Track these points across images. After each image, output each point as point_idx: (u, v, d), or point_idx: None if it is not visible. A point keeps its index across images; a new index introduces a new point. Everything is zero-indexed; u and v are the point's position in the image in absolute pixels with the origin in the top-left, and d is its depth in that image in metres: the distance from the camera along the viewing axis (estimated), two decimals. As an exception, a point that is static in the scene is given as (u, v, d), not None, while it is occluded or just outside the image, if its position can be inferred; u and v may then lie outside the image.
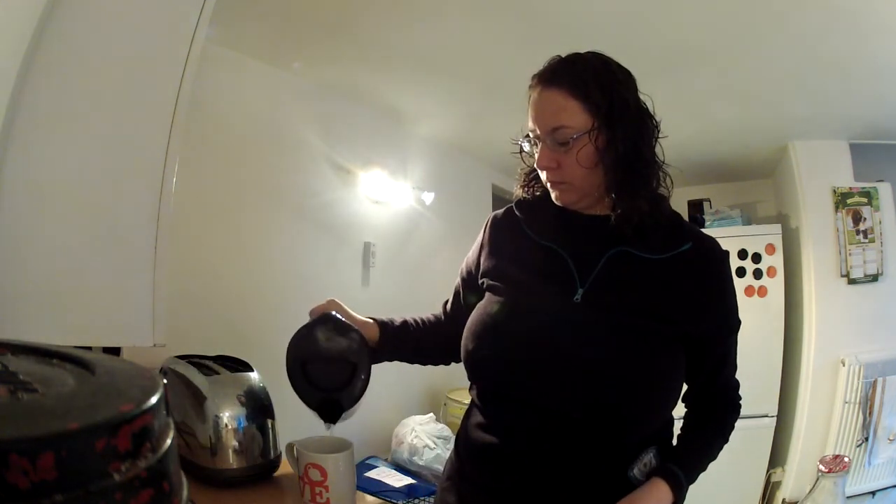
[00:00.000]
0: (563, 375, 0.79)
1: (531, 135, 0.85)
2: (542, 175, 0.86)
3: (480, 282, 0.94)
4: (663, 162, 0.84)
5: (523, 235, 0.91)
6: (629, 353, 0.79)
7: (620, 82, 0.81)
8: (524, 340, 0.82)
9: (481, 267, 0.95)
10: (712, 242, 0.87)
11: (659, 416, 0.85)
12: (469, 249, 1.02)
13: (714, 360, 0.89)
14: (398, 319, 1.04)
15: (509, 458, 0.83)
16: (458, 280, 1.03)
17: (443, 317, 1.06)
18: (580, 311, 0.82)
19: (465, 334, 0.89)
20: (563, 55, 0.84)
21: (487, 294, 0.91)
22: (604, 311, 0.81)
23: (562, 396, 0.79)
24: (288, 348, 0.96)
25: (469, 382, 0.94)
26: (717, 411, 0.92)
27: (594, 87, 0.79)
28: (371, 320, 1.01)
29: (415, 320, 1.05)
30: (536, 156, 0.84)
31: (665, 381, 0.82)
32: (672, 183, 0.86)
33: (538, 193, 0.94)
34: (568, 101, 0.79)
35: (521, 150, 0.91)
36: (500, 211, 1.00)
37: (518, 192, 0.96)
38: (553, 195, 0.87)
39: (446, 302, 1.06)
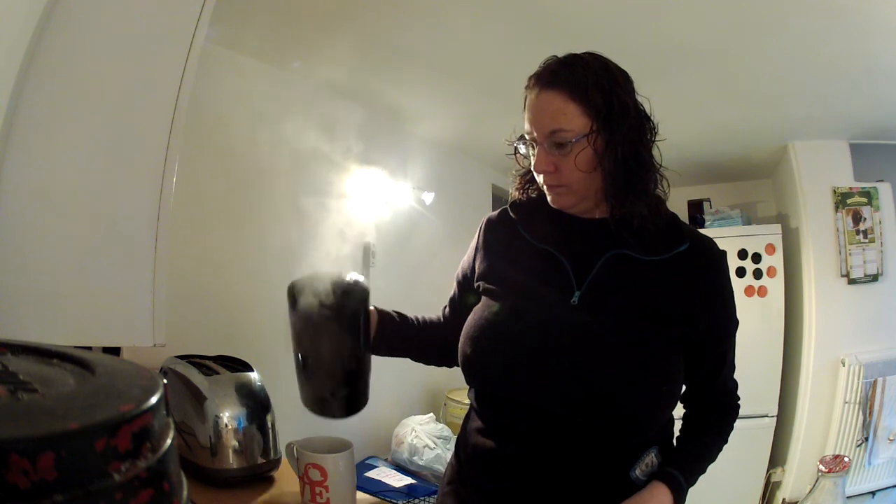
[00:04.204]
0: (561, 378, 0.79)
1: (527, 137, 0.84)
2: (539, 178, 0.85)
3: (476, 285, 0.93)
4: (661, 165, 0.84)
5: (519, 238, 0.90)
6: (627, 355, 0.79)
7: (619, 85, 0.81)
8: (522, 344, 0.82)
9: (477, 270, 0.94)
10: (710, 242, 0.86)
11: (659, 417, 0.85)
12: (468, 250, 1.01)
13: (713, 360, 0.88)
14: (398, 315, 1.01)
15: (510, 462, 0.82)
16: (454, 285, 1.02)
17: (442, 320, 1.04)
18: (577, 314, 0.81)
19: (461, 338, 0.89)
20: (561, 56, 0.83)
21: (484, 297, 0.90)
22: (601, 314, 0.81)
23: (561, 400, 0.79)
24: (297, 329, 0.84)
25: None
26: (716, 413, 0.92)
27: (594, 90, 0.78)
28: (373, 308, 0.96)
29: (415, 318, 1.03)
30: (533, 159, 0.84)
31: (665, 382, 0.81)
32: (669, 185, 0.86)
33: (533, 195, 0.93)
34: (567, 104, 0.78)
35: (516, 152, 0.90)
36: (495, 213, 0.98)
37: (514, 194, 0.95)
38: (550, 198, 0.86)
39: (445, 307, 1.05)
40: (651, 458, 0.84)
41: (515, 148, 0.90)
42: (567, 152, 0.79)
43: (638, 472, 0.82)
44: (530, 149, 0.85)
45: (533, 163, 0.84)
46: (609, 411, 0.78)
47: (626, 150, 0.79)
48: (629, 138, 0.79)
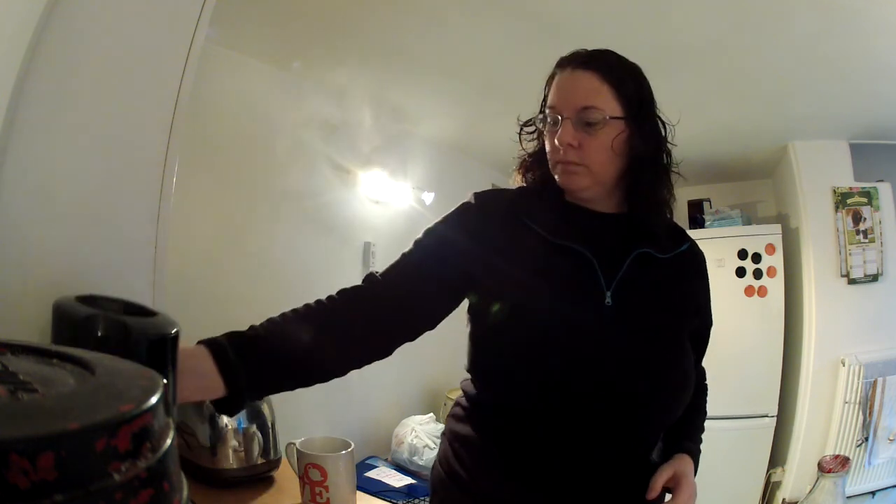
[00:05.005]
0: (605, 384, 0.75)
1: (549, 112, 0.82)
2: (556, 155, 0.81)
3: (470, 278, 0.83)
4: (674, 169, 0.86)
5: (526, 231, 0.82)
6: (666, 354, 0.80)
7: (645, 85, 0.84)
8: (557, 350, 0.76)
9: (471, 255, 0.83)
10: (694, 241, 0.92)
11: (683, 408, 0.85)
12: (447, 223, 0.87)
13: (701, 350, 0.93)
14: (259, 329, 0.71)
15: (538, 470, 0.78)
16: (414, 250, 0.84)
17: (369, 291, 0.80)
18: (612, 316, 0.79)
19: (479, 349, 0.82)
20: (590, 49, 0.84)
21: (487, 297, 0.81)
22: (636, 314, 0.80)
23: (605, 405, 0.76)
24: None
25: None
26: (698, 394, 0.95)
27: (628, 80, 0.81)
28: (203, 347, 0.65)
29: (296, 314, 0.75)
30: (555, 134, 0.80)
31: (692, 376, 0.84)
32: (673, 188, 0.87)
33: (533, 184, 0.89)
34: (602, 85, 0.79)
35: (521, 132, 0.90)
36: (486, 196, 0.88)
37: (517, 178, 0.92)
38: (561, 178, 0.82)
39: (373, 275, 0.82)
40: (660, 441, 0.87)
41: (522, 128, 0.89)
42: (595, 131, 0.78)
43: (655, 455, 0.85)
44: (551, 126, 0.82)
45: (556, 135, 0.80)
46: (651, 411, 0.78)
47: (651, 144, 0.81)
48: (655, 133, 0.82)
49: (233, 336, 0.68)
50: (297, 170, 2.25)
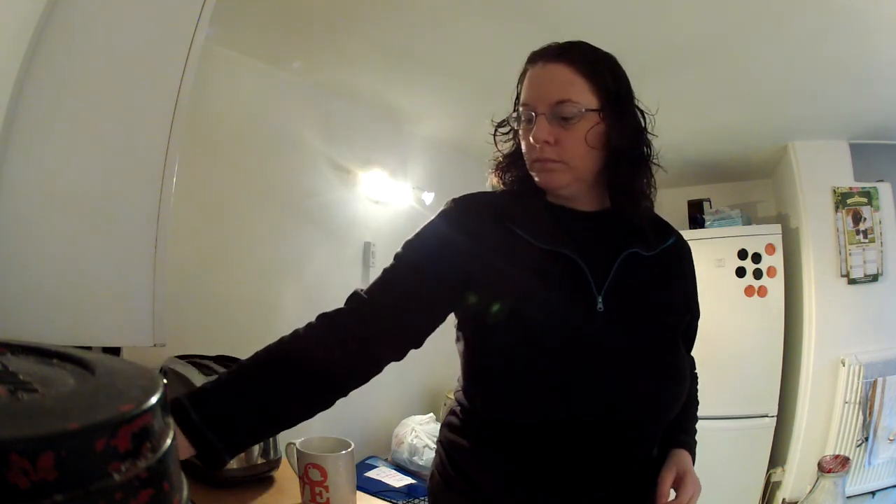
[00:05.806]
0: (606, 393, 0.74)
1: (522, 110, 0.80)
2: (532, 153, 0.79)
3: (469, 277, 0.79)
4: (655, 161, 0.84)
5: (513, 236, 0.79)
6: (663, 356, 0.79)
7: (622, 74, 0.81)
8: (554, 354, 0.74)
9: (470, 255, 0.79)
10: (680, 234, 0.91)
11: (681, 406, 0.85)
12: (440, 230, 0.83)
13: (690, 340, 0.93)
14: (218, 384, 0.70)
15: (540, 474, 0.77)
16: (402, 259, 0.82)
17: (357, 311, 0.78)
18: (606, 321, 0.77)
19: (476, 353, 0.80)
20: (561, 41, 0.81)
21: (487, 297, 0.78)
22: (629, 318, 0.79)
23: (601, 411, 0.75)
24: None
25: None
26: (690, 384, 0.94)
27: (604, 71, 0.78)
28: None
29: (269, 354, 0.73)
30: (530, 132, 0.78)
31: (688, 374, 0.84)
32: (655, 182, 0.86)
33: (515, 187, 0.87)
34: (577, 77, 0.76)
35: (497, 132, 0.87)
36: (474, 199, 0.84)
37: (493, 180, 0.89)
38: (540, 178, 0.80)
39: (360, 295, 0.79)
40: None
41: (496, 129, 0.87)
42: (571, 125, 0.76)
43: (656, 449, 0.85)
44: (525, 123, 0.80)
45: (531, 133, 0.77)
46: (650, 412, 0.78)
47: (630, 137, 0.79)
48: (633, 124, 0.80)
49: (193, 394, 0.68)
50: (297, 170, 2.25)
